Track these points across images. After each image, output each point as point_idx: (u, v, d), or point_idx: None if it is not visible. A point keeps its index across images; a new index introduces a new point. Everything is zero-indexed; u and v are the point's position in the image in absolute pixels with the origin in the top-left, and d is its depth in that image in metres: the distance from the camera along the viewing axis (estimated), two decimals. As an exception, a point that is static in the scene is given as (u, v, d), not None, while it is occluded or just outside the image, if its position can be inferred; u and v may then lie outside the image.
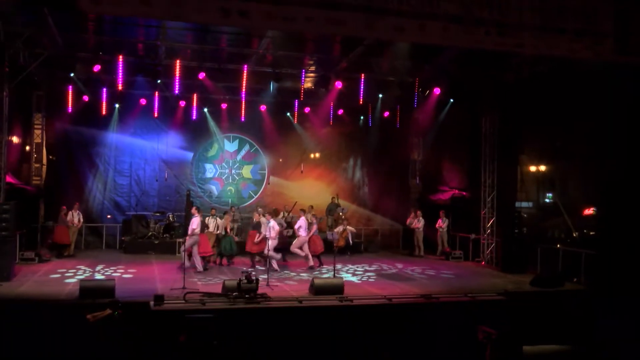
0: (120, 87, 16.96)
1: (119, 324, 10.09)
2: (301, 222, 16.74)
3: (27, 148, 20.24)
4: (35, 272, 14.93)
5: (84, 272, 15.23)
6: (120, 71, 16.51)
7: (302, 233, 16.61)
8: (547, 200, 25.30)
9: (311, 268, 16.44)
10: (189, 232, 15.59)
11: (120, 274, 15.07)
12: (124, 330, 10.06)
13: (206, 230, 16.78)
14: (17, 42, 15.10)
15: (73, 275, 14.61)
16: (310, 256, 16.70)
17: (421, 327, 11.37)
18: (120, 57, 16.42)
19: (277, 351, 10.42)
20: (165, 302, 10.88)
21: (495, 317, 11.26)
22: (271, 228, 15.76)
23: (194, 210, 16.25)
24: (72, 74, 17.53)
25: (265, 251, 15.24)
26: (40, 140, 20.51)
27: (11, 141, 18.10)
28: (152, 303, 10.78)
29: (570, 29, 11.17)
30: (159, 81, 18.19)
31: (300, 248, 16.71)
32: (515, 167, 18.73)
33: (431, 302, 12.05)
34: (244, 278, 11.66)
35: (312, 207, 21.13)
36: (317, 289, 12.47)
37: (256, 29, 13.97)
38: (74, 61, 17.20)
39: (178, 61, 17.01)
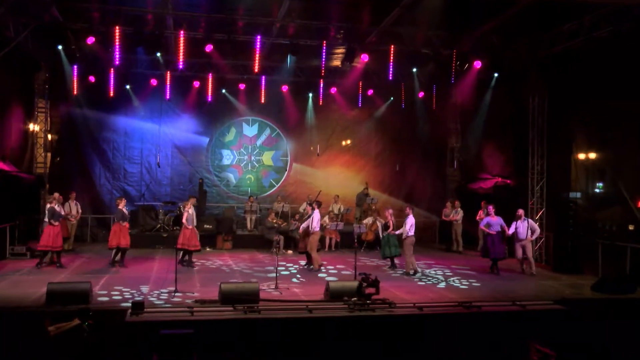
0: (117, 62, 15.07)
1: (87, 338, 8.26)
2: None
3: (30, 134, 18.66)
4: (20, 270, 13.26)
5: (75, 271, 13.51)
6: (117, 43, 14.60)
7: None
8: (596, 190, 23.05)
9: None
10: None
11: (112, 272, 13.29)
12: (91, 346, 8.21)
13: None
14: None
15: (58, 275, 12.67)
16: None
17: (459, 343, 9.25)
18: (117, 27, 14.52)
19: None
20: (145, 311, 8.97)
21: (551, 332, 9.19)
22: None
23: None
24: (60, 47, 15.93)
25: None
26: (44, 126, 18.98)
27: (11, 126, 16.79)
28: (129, 312, 8.89)
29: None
30: (158, 54, 16.47)
31: None
32: (569, 150, 16.49)
33: (471, 312, 9.82)
34: (362, 281, 10.37)
35: (338, 196, 19.50)
36: (333, 294, 10.47)
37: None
38: (67, 32, 15.41)
39: (182, 32, 15.02)
